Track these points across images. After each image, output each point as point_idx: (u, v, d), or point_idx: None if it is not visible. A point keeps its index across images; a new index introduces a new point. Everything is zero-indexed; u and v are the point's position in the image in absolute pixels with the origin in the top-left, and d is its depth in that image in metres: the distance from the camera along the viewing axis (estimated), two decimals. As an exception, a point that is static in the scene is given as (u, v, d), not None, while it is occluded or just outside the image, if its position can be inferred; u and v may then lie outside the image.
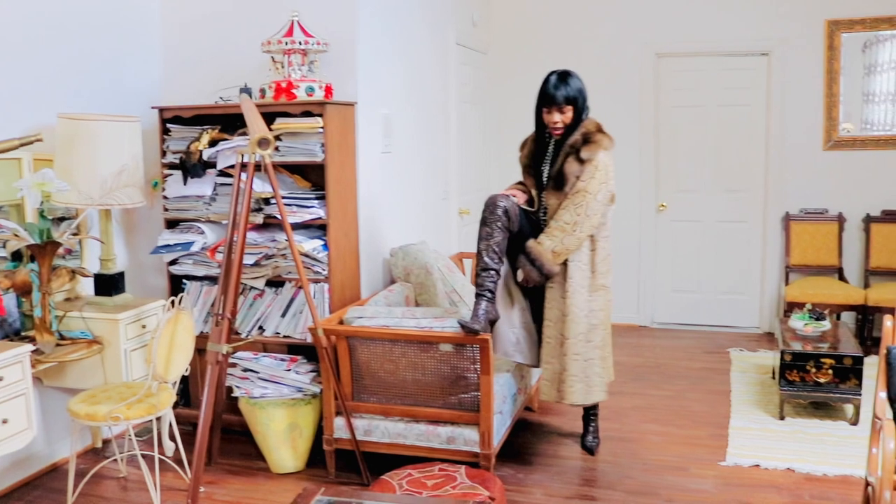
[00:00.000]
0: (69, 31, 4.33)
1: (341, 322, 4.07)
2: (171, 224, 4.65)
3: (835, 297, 6.15)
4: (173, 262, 4.61)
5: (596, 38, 7.04)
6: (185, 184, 4.51)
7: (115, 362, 4.01)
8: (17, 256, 3.82)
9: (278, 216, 4.19)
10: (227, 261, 3.76)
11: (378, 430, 4.01)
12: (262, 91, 4.43)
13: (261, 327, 4.47)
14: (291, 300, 4.43)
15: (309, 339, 4.25)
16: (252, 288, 4.49)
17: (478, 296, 3.94)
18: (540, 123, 4.19)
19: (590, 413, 4.51)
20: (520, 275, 4.13)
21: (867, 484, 3.28)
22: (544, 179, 4.15)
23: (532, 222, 4.14)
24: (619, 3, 6.98)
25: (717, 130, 6.91)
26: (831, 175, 6.65)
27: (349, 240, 4.57)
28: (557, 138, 4.12)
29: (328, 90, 4.40)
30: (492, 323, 3.95)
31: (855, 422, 4.71)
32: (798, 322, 5.18)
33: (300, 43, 4.28)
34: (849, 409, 4.84)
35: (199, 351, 4.44)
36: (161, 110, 4.58)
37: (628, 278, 7.13)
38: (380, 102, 4.91)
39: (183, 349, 3.86)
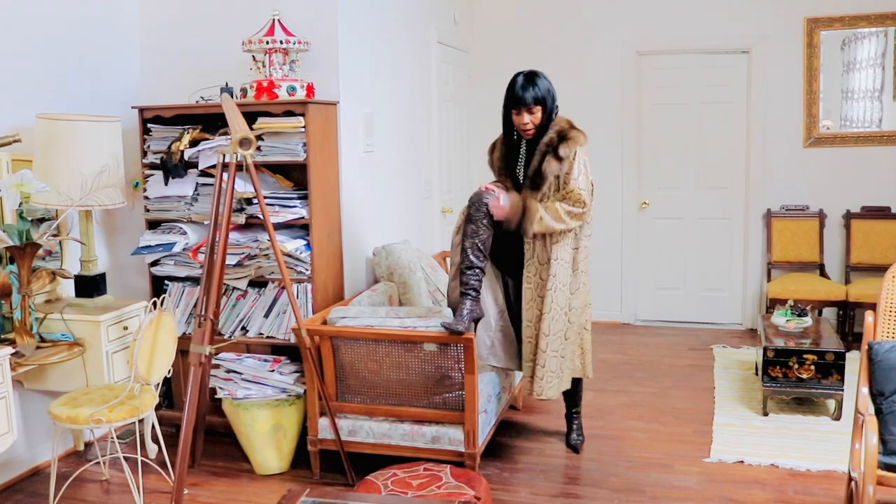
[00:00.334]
0: (47, 30, 4.29)
1: (325, 322, 4.05)
2: (153, 225, 4.62)
3: (816, 293, 6.19)
4: (155, 263, 4.58)
5: (577, 36, 7.05)
6: (166, 184, 4.48)
7: (97, 364, 3.98)
8: (-4, 258, 3.79)
9: (260, 216, 4.17)
10: (209, 261, 3.73)
11: (362, 431, 4.00)
12: (244, 90, 4.40)
13: (244, 328, 4.45)
14: (274, 300, 4.41)
15: (292, 340, 4.23)
16: (235, 288, 4.47)
17: (462, 294, 3.94)
18: (508, 125, 4.17)
19: (573, 411, 4.52)
20: (502, 200, 4.02)
21: (850, 479, 3.30)
22: (520, 180, 4.13)
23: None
24: (599, 1, 6.99)
25: (698, 128, 6.93)
26: (812, 172, 6.69)
27: (332, 239, 4.55)
28: (528, 139, 4.11)
29: (310, 89, 4.38)
30: (476, 321, 3.95)
31: (837, 417, 4.74)
32: (780, 318, 5.21)
33: (281, 42, 4.26)
34: (831, 404, 4.88)
35: (182, 352, 4.39)
36: (141, 110, 4.54)
37: (611, 276, 7.15)
38: (362, 101, 4.89)
39: (165, 351, 3.84)
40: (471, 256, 3.96)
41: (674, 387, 5.49)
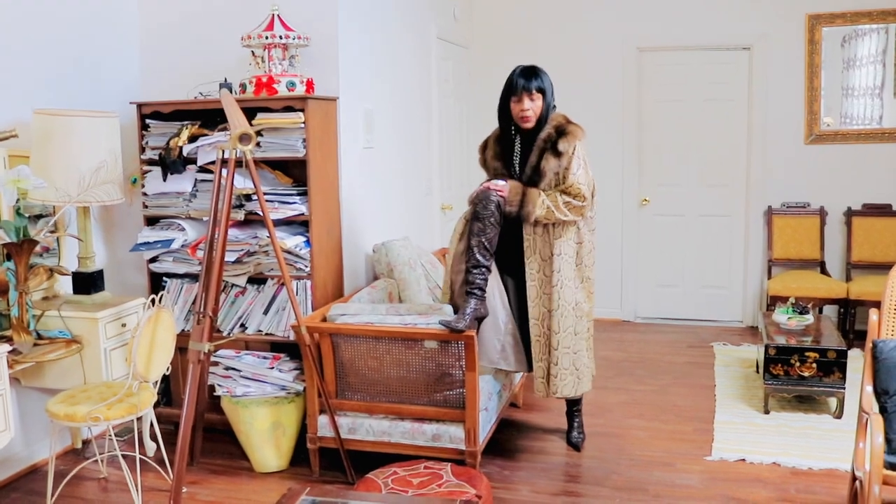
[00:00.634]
0: (46, 26, 4.25)
1: (324, 319, 4.03)
2: (151, 221, 4.59)
3: (817, 290, 6.17)
4: (153, 260, 4.55)
5: (578, 32, 7.02)
6: (164, 180, 4.45)
7: (95, 362, 3.96)
8: (-8, 255, 3.76)
9: (260, 213, 4.14)
10: (208, 258, 3.70)
11: (362, 428, 3.98)
12: (243, 86, 4.37)
13: (243, 325, 4.42)
14: (274, 297, 4.38)
15: (292, 337, 4.21)
16: (234, 285, 4.44)
17: (468, 294, 3.90)
18: (505, 119, 4.13)
19: (574, 409, 4.49)
20: (495, 184, 4.00)
21: (854, 478, 3.28)
22: (517, 178, 4.10)
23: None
24: (600, -3, 6.98)
25: (699, 125, 6.91)
26: (813, 169, 6.67)
27: (332, 236, 4.52)
28: (526, 130, 4.05)
29: (309, 85, 4.35)
30: (479, 320, 3.92)
31: (839, 415, 4.72)
32: (782, 316, 5.18)
33: (280, 37, 4.23)
34: (832, 402, 4.85)
35: (181, 349, 4.36)
36: (140, 106, 4.51)
37: (611, 273, 7.12)
38: (362, 97, 4.86)
39: (164, 348, 3.82)
40: (477, 255, 3.93)
41: (674, 384, 5.47)
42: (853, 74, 6.62)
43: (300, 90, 4.28)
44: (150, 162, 4.52)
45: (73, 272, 4.19)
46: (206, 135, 4.36)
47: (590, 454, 4.36)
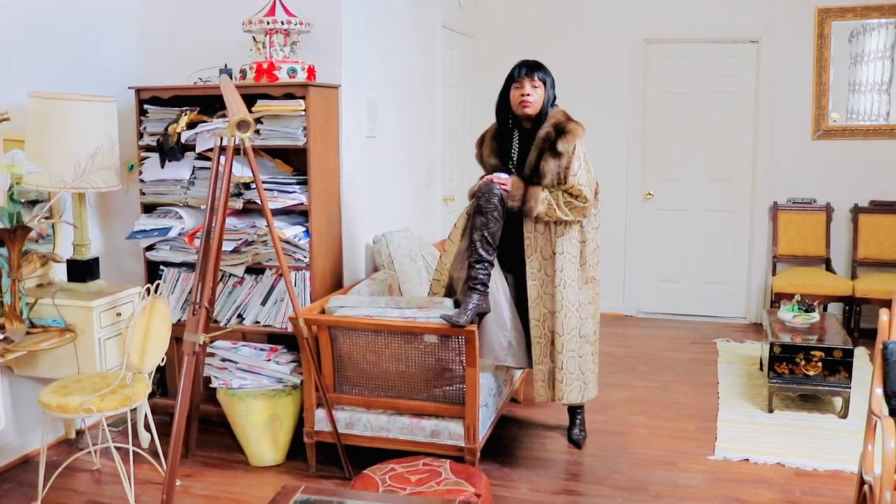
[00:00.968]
0: (42, 4, 4.17)
1: (323, 311, 3.96)
2: (148, 208, 4.52)
3: (822, 287, 6.10)
4: (150, 248, 4.48)
5: (584, 23, 6.93)
6: (162, 167, 4.37)
7: (89, 351, 3.89)
8: (-15, 241, 3.68)
9: (258, 201, 4.06)
10: (205, 247, 3.63)
11: (360, 423, 3.91)
12: (243, 72, 4.30)
13: (240, 316, 4.35)
14: (272, 288, 4.32)
15: (289, 329, 4.13)
16: (231, 275, 4.37)
17: (471, 289, 3.82)
18: (503, 114, 4.06)
19: (575, 406, 4.42)
20: (498, 177, 3.94)
21: (862, 482, 3.21)
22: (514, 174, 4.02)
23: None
24: (607, -13, 6.88)
25: (705, 118, 6.82)
26: (820, 165, 6.59)
27: (331, 226, 4.45)
28: (525, 125, 3.98)
29: (311, 72, 4.27)
30: (481, 315, 3.84)
31: (844, 415, 4.66)
32: (787, 314, 5.11)
33: (282, 23, 4.16)
34: (838, 402, 4.79)
35: (177, 339, 4.31)
36: (138, 90, 4.43)
37: (614, 267, 7.05)
38: (364, 85, 4.78)
39: (159, 338, 3.76)
40: (480, 250, 3.85)
41: (676, 381, 5.41)
42: (860, 70, 6.54)
43: (301, 77, 4.21)
44: (148, 148, 4.44)
45: (67, 259, 4.13)
46: (205, 121, 4.29)
47: (591, 452, 4.29)
